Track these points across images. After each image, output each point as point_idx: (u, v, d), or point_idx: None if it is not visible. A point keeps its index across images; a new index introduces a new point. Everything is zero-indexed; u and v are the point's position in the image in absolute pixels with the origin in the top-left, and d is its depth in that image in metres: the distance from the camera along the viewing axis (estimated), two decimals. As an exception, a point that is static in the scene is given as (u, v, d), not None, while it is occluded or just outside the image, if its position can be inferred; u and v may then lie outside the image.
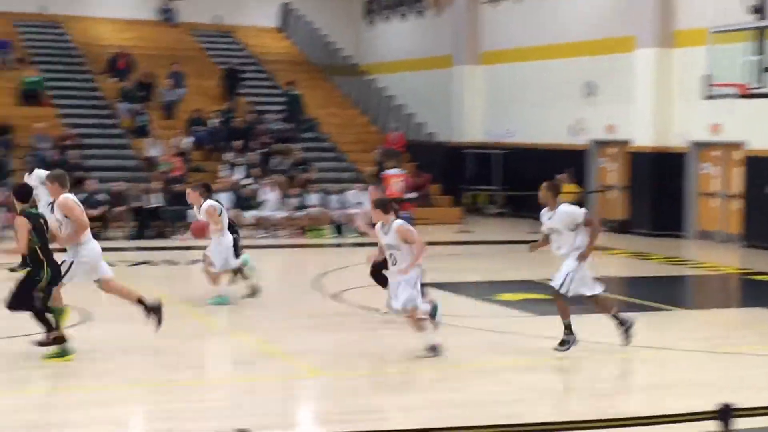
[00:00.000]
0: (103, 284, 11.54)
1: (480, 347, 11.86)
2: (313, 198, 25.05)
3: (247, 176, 25.72)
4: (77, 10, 33.65)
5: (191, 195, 14.62)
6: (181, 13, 35.03)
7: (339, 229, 24.53)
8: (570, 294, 11.08)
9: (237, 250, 14.71)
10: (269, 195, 24.70)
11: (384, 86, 33.21)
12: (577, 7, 27.44)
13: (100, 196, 23.25)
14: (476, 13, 31.07)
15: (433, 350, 10.83)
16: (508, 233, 25.08)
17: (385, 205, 11.10)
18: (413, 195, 26.68)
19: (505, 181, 29.06)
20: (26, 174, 17.40)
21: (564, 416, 8.77)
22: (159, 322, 11.44)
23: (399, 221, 10.95)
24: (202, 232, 14.59)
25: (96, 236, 22.17)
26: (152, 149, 26.45)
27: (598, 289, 11.24)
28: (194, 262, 19.51)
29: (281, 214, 24.41)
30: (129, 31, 33.76)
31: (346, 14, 36.35)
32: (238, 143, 27.15)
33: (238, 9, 35.54)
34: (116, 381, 10.07)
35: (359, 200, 25.15)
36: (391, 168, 26.95)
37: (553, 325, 11.49)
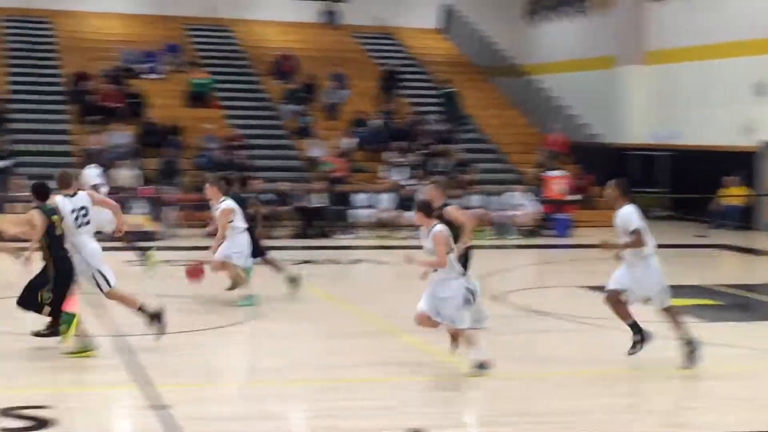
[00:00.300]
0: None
1: (650, 353, 11.55)
2: (474, 199, 24.96)
3: (408, 177, 25.81)
4: (244, 13, 34.39)
5: (209, 190, 13.94)
6: (344, 15, 35.41)
7: (500, 231, 24.37)
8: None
9: (257, 250, 14.32)
10: (430, 196, 24.70)
11: (545, 87, 32.84)
12: (748, 5, 26.58)
13: (266, 196, 23.70)
14: (641, 11, 30.42)
15: (482, 366, 10.14)
16: (674, 237, 24.43)
17: (427, 209, 10.38)
18: (575, 197, 26.39)
19: (672, 183, 28.36)
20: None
21: (750, 426, 8.54)
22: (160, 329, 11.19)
23: (438, 226, 10.20)
24: (197, 274, 13.86)
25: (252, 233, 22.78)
26: (315, 150, 26.83)
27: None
28: (356, 261, 19.71)
29: (442, 215, 24.37)
30: (293, 34, 34.34)
31: (508, 14, 36.07)
32: (399, 144, 27.28)
33: (399, 10, 35.70)
34: (279, 378, 10.19)
35: (521, 202, 24.97)
36: (553, 170, 26.74)
37: (726, 332, 11.13)
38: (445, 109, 30.13)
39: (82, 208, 11.16)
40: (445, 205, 12.32)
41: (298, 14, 35.24)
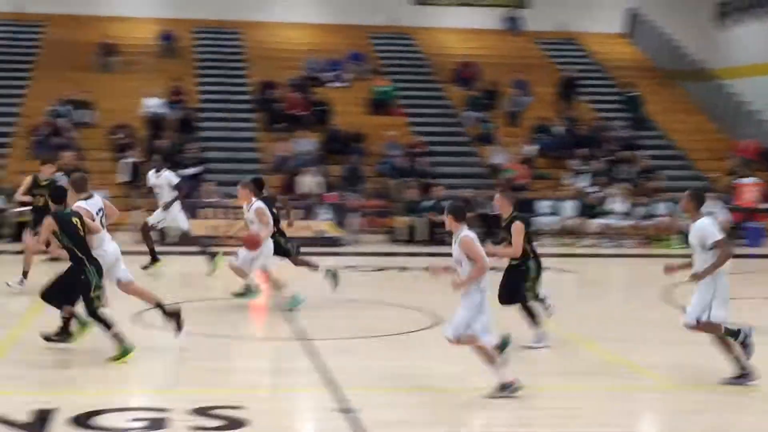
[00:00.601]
0: (122, 286, 11.37)
1: None
2: (660, 207, 24.38)
3: (592, 184, 25.42)
4: (426, 21, 34.56)
5: (240, 193, 13.78)
6: (526, 21, 35.17)
7: (687, 240, 23.69)
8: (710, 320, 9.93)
9: (283, 253, 14.11)
10: (616, 203, 24.28)
11: (736, 91, 31.78)
12: None
13: (447, 203, 23.74)
14: (839, 12, 29.12)
15: (504, 389, 9.32)
16: None
17: (457, 212, 9.46)
18: (768, 205, 25.47)
19: None
20: (152, 171, 17.75)
21: None
22: (178, 327, 11.10)
23: (466, 231, 9.32)
24: (256, 243, 13.45)
25: (442, 242, 22.90)
26: (497, 156, 26.73)
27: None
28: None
29: (627, 223, 23.92)
30: (474, 41, 34.32)
31: (696, 18, 35.07)
32: (582, 151, 26.89)
33: (583, 15, 35.23)
34: (461, 385, 10.14)
35: (710, 210, 24.24)
36: (745, 177, 25.85)
37: None
38: (629, 115, 29.58)
39: (100, 209, 11.46)
40: (515, 218, 11.61)
41: (480, 21, 35.19)
